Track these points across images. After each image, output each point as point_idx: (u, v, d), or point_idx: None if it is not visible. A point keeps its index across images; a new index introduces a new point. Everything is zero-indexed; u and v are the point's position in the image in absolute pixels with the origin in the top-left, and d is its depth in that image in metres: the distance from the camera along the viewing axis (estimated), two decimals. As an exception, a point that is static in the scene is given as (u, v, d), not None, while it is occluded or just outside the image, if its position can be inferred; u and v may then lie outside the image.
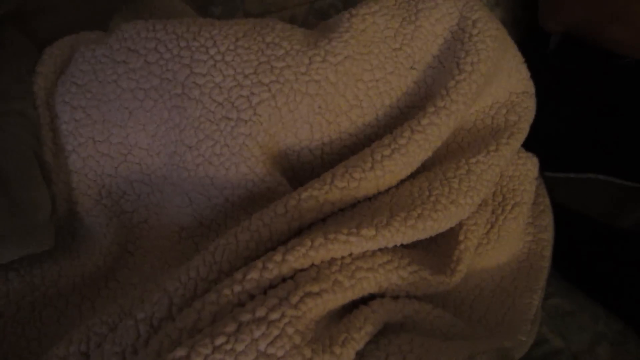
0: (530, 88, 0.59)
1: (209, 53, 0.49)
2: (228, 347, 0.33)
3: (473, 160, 0.50)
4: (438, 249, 0.50)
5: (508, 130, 0.54)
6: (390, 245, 0.44)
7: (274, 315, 0.35)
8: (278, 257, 0.39)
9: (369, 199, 0.48)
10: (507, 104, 0.57)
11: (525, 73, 0.58)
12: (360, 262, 0.42)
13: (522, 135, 0.55)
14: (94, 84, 0.49)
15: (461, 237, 0.49)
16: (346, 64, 0.50)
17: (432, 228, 0.45)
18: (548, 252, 0.57)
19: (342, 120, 0.51)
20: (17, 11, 0.49)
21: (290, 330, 0.35)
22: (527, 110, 0.57)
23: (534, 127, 0.58)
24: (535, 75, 0.60)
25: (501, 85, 0.56)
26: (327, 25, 0.54)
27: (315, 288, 0.38)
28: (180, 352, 0.33)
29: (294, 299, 0.36)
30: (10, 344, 0.46)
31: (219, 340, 0.34)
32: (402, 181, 0.50)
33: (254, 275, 0.38)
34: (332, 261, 0.41)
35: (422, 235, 0.45)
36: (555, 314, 0.56)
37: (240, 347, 0.34)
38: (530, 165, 0.59)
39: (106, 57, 0.49)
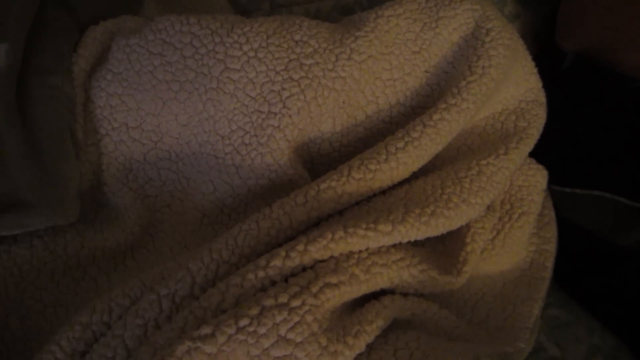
0: (541, 97, 0.60)
1: (243, 49, 0.51)
2: (251, 329, 0.35)
3: (484, 162, 0.52)
4: (445, 250, 0.52)
5: (517, 135, 0.56)
6: (405, 240, 0.45)
7: (295, 303, 0.37)
8: (300, 247, 0.40)
9: (384, 193, 0.50)
10: (516, 110, 0.59)
11: (535, 82, 0.60)
12: (375, 257, 0.43)
13: (531, 141, 0.57)
14: (130, 73, 0.51)
15: (468, 239, 0.50)
16: (369, 62, 0.53)
17: (444, 225, 0.47)
18: (550, 264, 0.59)
19: (359, 114, 0.54)
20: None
21: (309, 318, 0.37)
22: (536, 117, 0.58)
23: (544, 140, 0.59)
24: (549, 90, 0.61)
25: (510, 92, 0.58)
26: (353, 22, 0.56)
27: (334, 279, 0.39)
28: (206, 329, 0.34)
29: (314, 289, 0.38)
30: (27, 307, 0.47)
31: (243, 322, 0.35)
32: (415, 178, 0.52)
33: (277, 262, 0.39)
34: (349, 255, 0.43)
35: (435, 232, 0.47)
36: (553, 324, 0.57)
37: (262, 330, 0.35)
38: (540, 177, 0.60)
39: (141, 48, 0.51)
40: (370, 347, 0.42)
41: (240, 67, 0.50)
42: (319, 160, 0.55)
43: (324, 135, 0.53)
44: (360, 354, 0.40)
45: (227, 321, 0.35)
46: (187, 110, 0.51)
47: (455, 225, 0.49)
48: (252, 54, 0.50)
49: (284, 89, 0.50)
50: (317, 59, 0.51)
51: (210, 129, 0.51)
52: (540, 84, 0.61)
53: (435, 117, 0.50)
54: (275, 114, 0.50)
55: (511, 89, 0.58)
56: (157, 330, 0.38)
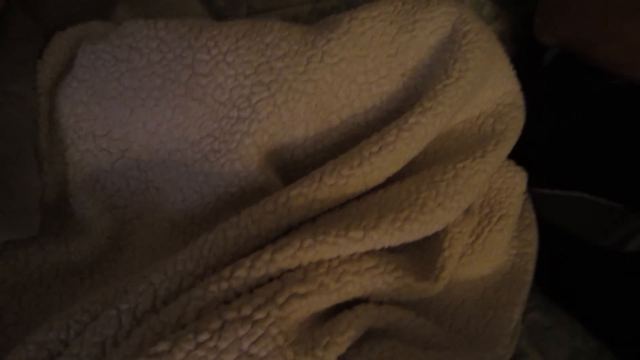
0: (519, 100, 0.60)
1: (211, 53, 0.49)
2: (211, 344, 0.33)
3: (460, 165, 0.51)
4: (422, 255, 0.50)
5: (495, 138, 0.55)
6: (378, 247, 0.44)
7: (259, 315, 0.35)
8: (266, 256, 0.39)
9: (357, 199, 0.49)
10: (493, 113, 0.58)
11: (513, 85, 0.59)
12: (347, 265, 0.42)
13: (508, 144, 0.56)
14: (96, 81, 0.50)
15: (446, 244, 0.49)
16: (342, 65, 0.51)
17: (419, 230, 0.45)
18: (531, 267, 0.58)
19: (334, 118, 0.52)
20: (22, -8, 0.49)
21: (274, 331, 0.35)
22: (514, 120, 0.57)
23: (523, 141, 0.58)
24: (527, 89, 0.60)
25: (487, 95, 0.58)
26: (326, 24, 0.55)
27: (301, 289, 0.38)
28: (163, 346, 0.33)
29: (280, 300, 0.36)
30: None
31: (203, 337, 0.33)
32: (390, 183, 0.51)
33: (241, 273, 0.38)
34: (319, 263, 0.41)
35: (409, 238, 0.45)
36: (534, 329, 0.56)
37: (223, 345, 0.34)
38: (519, 179, 0.60)
39: (107, 54, 0.49)
40: (342, 359, 0.40)
41: (209, 71, 0.49)
42: (293, 166, 0.53)
43: (297, 141, 0.51)
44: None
45: (186, 336, 0.33)
46: (155, 117, 0.49)
47: (431, 230, 0.47)
48: (220, 57, 0.49)
49: (253, 93, 0.49)
50: (287, 62, 0.50)
51: (179, 136, 0.49)
52: (518, 87, 0.60)
53: (411, 120, 0.49)
54: (245, 119, 0.48)
55: (488, 92, 0.57)
56: (115, 347, 0.37)
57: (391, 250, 0.48)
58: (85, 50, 0.50)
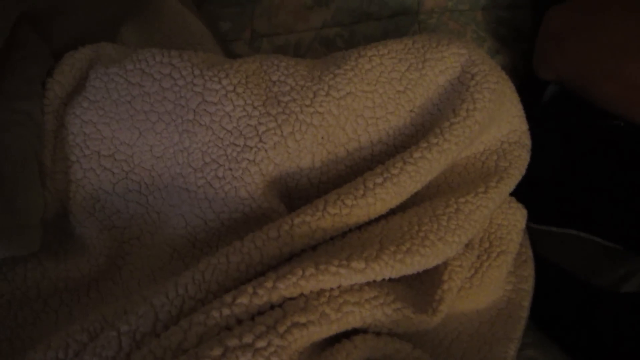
0: (524, 139, 0.60)
1: (222, 83, 0.50)
2: (212, 371, 0.33)
3: (462, 200, 0.51)
4: (422, 287, 0.51)
5: (498, 174, 0.56)
6: (379, 278, 0.44)
7: (261, 343, 0.35)
8: (269, 283, 0.39)
9: (359, 229, 0.49)
10: (498, 151, 0.59)
11: (520, 124, 0.60)
12: (347, 295, 0.42)
13: (512, 181, 0.56)
14: (107, 102, 0.50)
15: (445, 277, 0.49)
16: (348, 99, 0.52)
17: (419, 263, 0.46)
18: (527, 303, 0.58)
19: (340, 151, 0.53)
20: (33, 12, 0.49)
21: (275, 360, 0.35)
22: (518, 158, 0.58)
23: (522, 177, 0.59)
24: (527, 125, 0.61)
25: (492, 134, 0.58)
26: (334, 59, 0.56)
27: (302, 319, 0.38)
28: (163, 372, 0.33)
29: (281, 328, 0.36)
30: None
31: (204, 364, 0.33)
32: (393, 214, 0.51)
33: (243, 300, 0.38)
34: (320, 292, 0.41)
35: (410, 270, 0.46)
36: (529, 366, 0.56)
37: (224, 372, 0.33)
38: (520, 216, 0.60)
39: (120, 77, 0.50)
40: (339, 389, 0.40)
41: (218, 100, 0.50)
42: (297, 195, 0.54)
43: (302, 171, 0.52)
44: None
45: (186, 363, 0.33)
46: (163, 141, 0.50)
47: (431, 263, 0.47)
48: (230, 88, 0.50)
49: (260, 123, 0.50)
50: (294, 95, 0.51)
51: (183, 161, 0.50)
52: (525, 127, 0.61)
53: (416, 155, 0.50)
54: (251, 147, 0.49)
55: (493, 130, 0.58)
56: (115, 370, 0.36)
57: (390, 280, 0.48)
58: (99, 72, 0.51)
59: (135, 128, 0.50)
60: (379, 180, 0.48)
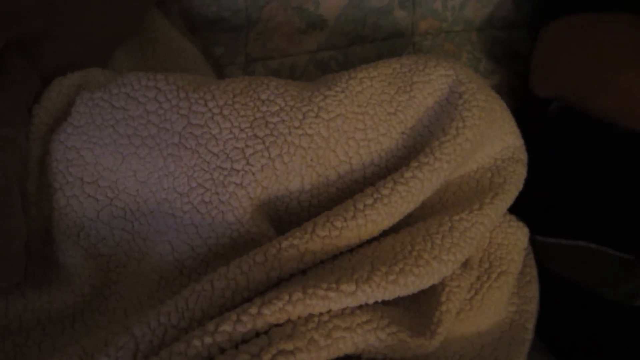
0: (519, 154, 0.60)
1: (208, 106, 0.50)
2: (192, 403, 0.31)
3: (456, 217, 0.50)
4: (419, 309, 0.49)
5: (492, 191, 0.55)
6: (371, 301, 0.42)
7: (244, 373, 0.33)
8: (254, 309, 0.37)
9: (350, 251, 0.48)
10: (492, 168, 0.58)
11: (513, 140, 0.59)
12: (338, 320, 0.40)
13: (507, 197, 0.55)
14: (91, 127, 0.49)
15: (443, 299, 0.48)
16: (338, 121, 0.51)
17: (413, 284, 0.44)
18: (531, 325, 0.56)
19: (331, 174, 0.51)
20: (22, 36, 0.49)
21: (258, 391, 0.33)
22: (514, 173, 0.57)
23: (528, 190, 0.58)
24: (530, 141, 0.60)
25: (485, 151, 0.58)
26: (325, 81, 0.56)
27: (289, 346, 0.36)
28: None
29: (266, 357, 0.35)
30: None
31: (182, 396, 0.32)
32: (385, 235, 0.50)
33: (226, 327, 0.36)
34: (309, 317, 0.40)
35: (404, 292, 0.44)
36: (536, 389, 0.54)
37: (204, 405, 0.32)
38: (521, 235, 0.59)
39: (104, 101, 0.50)
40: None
41: (204, 123, 0.49)
42: (288, 219, 0.52)
43: (291, 194, 0.51)
44: None
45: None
46: (146, 166, 0.49)
47: (426, 283, 0.46)
48: (217, 110, 0.49)
49: (247, 146, 0.48)
50: (283, 116, 0.50)
51: (169, 186, 0.49)
52: (519, 142, 0.60)
53: (407, 175, 0.49)
54: (238, 171, 0.48)
55: (487, 148, 0.58)
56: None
57: (385, 303, 0.46)
58: (84, 97, 0.50)
59: (119, 153, 0.49)
60: (369, 201, 0.47)
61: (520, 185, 0.57)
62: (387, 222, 0.48)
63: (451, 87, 0.55)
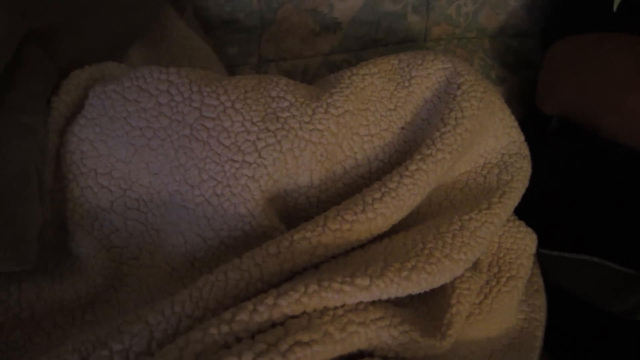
0: (524, 150, 0.60)
1: (220, 99, 0.50)
2: (209, 390, 0.31)
3: (466, 217, 0.50)
4: (429, 311, 0.49)
5: (500, 189, 0.55)
6: (384, 297, 0.42)
7: (261, 363, 0.33)
8: (270, 300, 0.37)
9: (362, 247, 0.48)
10: (499, 164, 0.58)
11: (517, 135, 0.60)
12: (352, 315, 0.40)
13: (515, 195, 0.55)
14: (104, 119, 0.50)
15: (453, 301, 0.48)
16: (346, 117, 0.52)
17: (425, 281, 0.44)
18: (540, 333, 0.56)
19: (338, 169, 0.52)
20: (40, 28, 0.49)
21: (275, 381, 0.33)
22: (520, 170, 0.58)
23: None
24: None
25: (490, 145, 0.58)
26: (329, 80, 0.57)
27: (305, 337, 0.36)
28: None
29: (283, 347, 0.34)
30: None
31: (200, 382, 0.31)
32: (395, 233, 0.50)
33: (243, 316, 0.36)
34: (324, 311, 0.39)
35: (416, 289, 0.44)
36: (544, 397, 0.54)
37: (221, 393, 0.31)
38: (529, 240, 0.59)
39: (117, 94, 0.50)
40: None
41: (216, 115, 0.49)
42: (296, 215, 0.53)
43: (300, 189, 0.51)
44: None
45: (181, 380, 0.31)
46: (158, 158, 0.49)
47: (438, 281, 0.46)
48: (229, 104, 0.49)
49: (259, 138, 0.49)
50: (293, 111, 0.51)
51: (180, 178, 0.49)
52: (522, 137, 0.60)
53: (412, 167, 0.50)
54: (250, 163, 0.48)
55: (491, 141, 0.58)
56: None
57: (396, 304, 0.46)
58: (96, 90, 0.51)
59: (131, 145, 0.49)
60: (377, 195, 0.48)
61: (526, 183, 0.58)
62: (396, 216, 0.49)
63: (449, 79, 0.55)
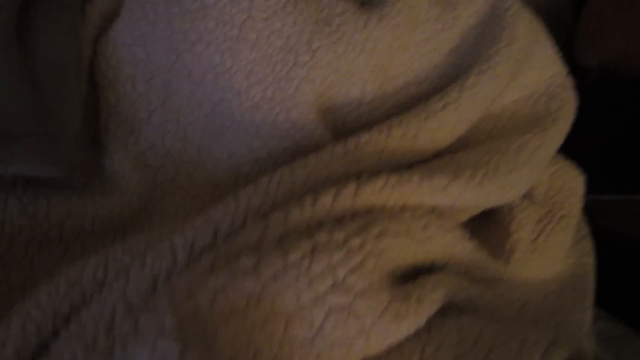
0: (569, 82, 0.58)
1: (269, 2, 0.46)
2: (303, 264, 0.27)
3: (522, 139, 0.49)
4: (489, 238, 0.47)
5: (550, 116, 0.54)
6: (458, 203, 0.40)
7: (355, 242, 0.29)
8: (351, 189, 0.33)
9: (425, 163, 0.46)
10: (546, 93, 0.56)
11: (561, 68, 0.58)
12: (431, 217, 0.37)
13: (564, 122, 0.54)
14: (143, 23, 0.45)
15: (513, 228, 0.47)
16: (400, 29, 0.49)
17: (495, 193, 0.43)
18: (591, 276, 0.54)
19: (388, 87, 0.50)
20: None
21: (370, 263, 0.29)
22: (568, 99, 0.56)
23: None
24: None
25: (536, 76, 0.56)
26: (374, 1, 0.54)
27: (392, 227, 0.32)
28: (247, 260, 0.26)
29: (375, 230, 0.31)
30: None
31: (293, 257, 0.27)
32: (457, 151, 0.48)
33: (326, 200, 0.32)
34: (404, 208, 0.36)
35: (486, 200, 0.43)
36: (604, 338, 0.51)
37: (316, 269, 0.27)
38: (579, 182, 0.57)
39: None
40: (429, 323, 0.34)
41: (267, 16, 0.45)
42: (345, 134, 0.49)
43: (351, 104, 0.48)
44: (418, 330, 0.33)
45: (273, 252, 0.27)
46: (202, 63, 0.44)
47: (505, 196, 0.45)
48: (279, 6, 0.45)
49: (313, 39, 0.45)
50: (347, 16, 0.48)
51: (225, 84, 0.44)
52: (565, 70, 0.59)
53: (471, 80, 0.48)
54: (304, 64, 0.44)
55: (536, 72, 0.56)
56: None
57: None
58: None
59: (173, 50, 0.44)
60: (440, 105, 0.46)
61: (573, 114, 0.56)
62: (458, 129, 0.47)
63: (494, 4, 0.54)
